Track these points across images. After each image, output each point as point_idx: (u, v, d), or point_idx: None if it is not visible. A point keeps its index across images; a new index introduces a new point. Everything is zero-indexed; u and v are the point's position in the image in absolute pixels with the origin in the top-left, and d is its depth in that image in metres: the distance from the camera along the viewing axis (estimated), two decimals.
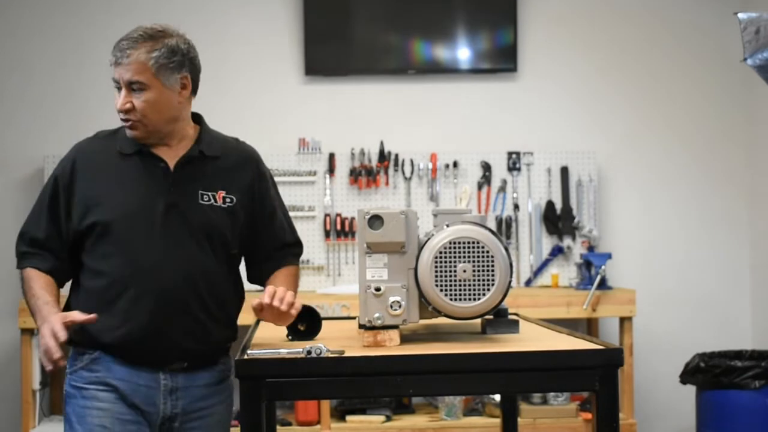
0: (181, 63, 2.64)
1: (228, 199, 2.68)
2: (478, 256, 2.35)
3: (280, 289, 2.55)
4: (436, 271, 2.35)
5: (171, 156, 2.67)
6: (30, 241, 2.68)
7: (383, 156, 5.51)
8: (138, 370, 2.60)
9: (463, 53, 5.63)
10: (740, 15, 3.46)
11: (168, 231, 2.60)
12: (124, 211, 2.60)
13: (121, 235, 2.59)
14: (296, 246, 2.87)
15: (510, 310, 2.61)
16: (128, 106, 2.60)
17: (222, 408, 2.74)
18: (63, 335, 2.46)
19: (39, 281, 2.62)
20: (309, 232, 5.48)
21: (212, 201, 2.66)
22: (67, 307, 2.64)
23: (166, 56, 2.60)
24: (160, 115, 2.63)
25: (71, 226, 2.64)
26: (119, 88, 2.61)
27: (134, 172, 2.65)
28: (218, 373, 2.72)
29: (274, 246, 2.80)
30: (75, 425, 2.60)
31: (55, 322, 2.48)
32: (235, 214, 2.69)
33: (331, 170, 5.50)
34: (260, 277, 2.83)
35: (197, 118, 2.84)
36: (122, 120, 2.64)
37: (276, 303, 2.51)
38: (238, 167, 2.75)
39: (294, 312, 2.54)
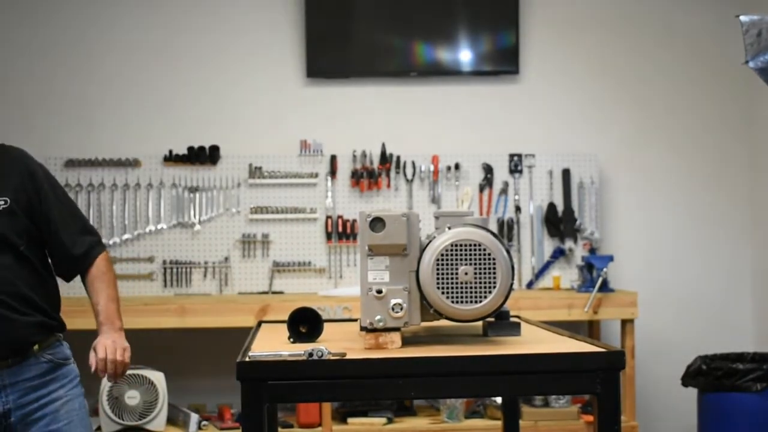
0: None
1: (2, 202, 2.80)
2: (480, 259, 2.35)
3: (110, 362, 2.84)
4: (438, 274, 2.35)
5: None
6: None
7: (385, 158, 5.51)
8: None
9: (464, 55, 5.63)
10: (742, 18, 3.46)
11: None
12: None
13: None
14: (87, 233, 2.96)
15: (511, 313, 2.61)
16: None
17: (62, 392, 2.86)
18: None
19: None
20: (310, 235, 5.49)
21: None
22: None
23: None
24: None
25: None
26: None
27: None
28: (46, 363, 2.84)
29: (68, 235, 2.91)
30: None
31: None
32: (13, 214, 2.81)
33: (333, 172, 5.50)
34: (71, 273, 2.99)
35: None
36: None
37: (107, 380, 2.89)
38: (7, 171, 2.87)
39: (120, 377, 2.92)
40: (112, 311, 2.92)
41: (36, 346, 2.83)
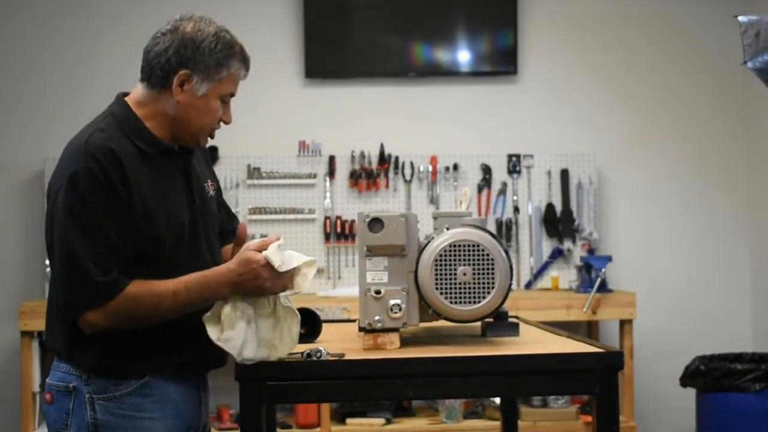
0: None
1: (213, 187, 2.59)
2: (478, 259, 2.35)
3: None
4: (436, 274, 2.35)
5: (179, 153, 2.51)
6: (106, 262, 2.28)
7: (383, 158, 5.51)
8: (188, 388, 2.46)
9: (463, 56, 5.64)
10: (740, 18, 3.46)
11: (206, 234, 2.49)
12: (178, 222, 2.38)
13: (178, 245, 2.38)
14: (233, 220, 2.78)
15: (510, 313, 2.61)
16: None
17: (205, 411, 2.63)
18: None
19: (155, 283, 2.32)
20: (309, 235, 5.48)
21: (210, 192, 2.56)
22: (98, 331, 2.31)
23: None
24: None
25: (136, 234, 2.32)
26: (224, 101, 2.52)
27: (168, 175, 2.43)
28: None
29: (225, 228, 2.69)
30: None
31: (253, 255, 2.30)
32: (218, 202, 2.63)
33: (332, 173, 5.50)
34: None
35: None
36: (212, 130, 2.49)
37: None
38: (203, 157, 2.64)
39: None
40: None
41: None
